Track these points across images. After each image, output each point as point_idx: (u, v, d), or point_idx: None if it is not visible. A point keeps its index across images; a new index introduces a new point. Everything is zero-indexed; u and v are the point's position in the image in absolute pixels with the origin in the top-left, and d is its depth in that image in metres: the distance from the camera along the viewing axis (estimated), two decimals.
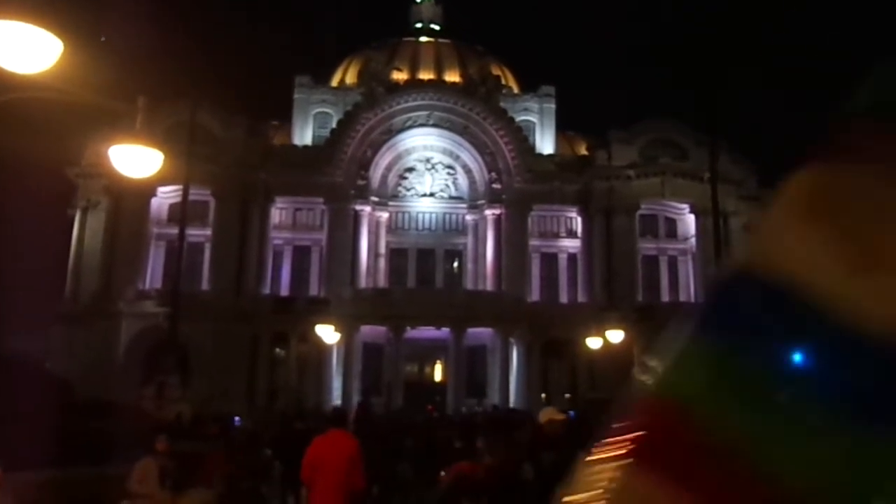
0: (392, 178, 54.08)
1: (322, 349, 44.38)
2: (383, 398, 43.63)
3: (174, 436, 12.34)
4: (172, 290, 31.03)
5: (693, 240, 51.09)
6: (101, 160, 39.65)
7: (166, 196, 47.55)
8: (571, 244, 53.40)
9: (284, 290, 51.57)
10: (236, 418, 22.30)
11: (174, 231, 37.63)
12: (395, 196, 53.96)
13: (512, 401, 45.03)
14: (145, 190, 45.82)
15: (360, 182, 51.99)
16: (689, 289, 51.58)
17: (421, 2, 70.92)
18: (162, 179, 40.58)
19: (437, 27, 69.26)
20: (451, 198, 54.28)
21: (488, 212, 52.54)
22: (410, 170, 54.36)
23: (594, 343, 37.53)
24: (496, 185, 52.47)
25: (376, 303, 46.03)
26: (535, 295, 51.63)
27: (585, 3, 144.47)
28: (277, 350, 48.82)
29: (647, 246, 52.01)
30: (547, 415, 8.88)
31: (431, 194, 54.18)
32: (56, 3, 6.17)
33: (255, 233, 50.09)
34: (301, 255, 52.76)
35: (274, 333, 47.94)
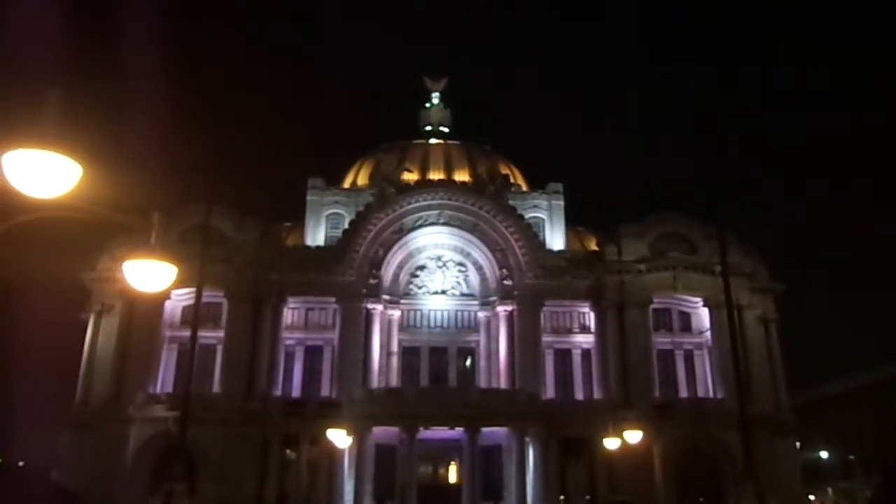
0: (403, 277, 54.38)
1: (333, 452, 43.40)
2: (397, 502, 42.27)
3: None
4: (183, 395, 30.78)
5: (708, 333, 50.55)
6: (115, 265, 40.30)
7: (180, 298, 47.89)
8: (585, 339, 52.92)
9: (296, 391, 51.00)
10: None
11: (187, 334, 37.73)
12: (407, 294, 54.11)
13: (529, 503, 43.53)
14: (159, 293, 46.03)
15: (372, 281, 52.28)
16: (706, 383, 50.62)
17: (430, 106, 73.37)
18: (176, 283, 40.87)
19: (445, 129, 71.36)
20: (462, 295, 54.34)
21: (500, 308, 52.42)
22: (422, 268, 54.72)
23: (612, 444, 36.50)
24: (507, 282, 52.59)
25: (388, 402, 45.28)
26: (549, 392, 50.77)
27: (593, 101, 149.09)
28: (288, 452, 47.76)
29: (661, 340, 51.47)
30: None
31: (443, 292, 54.31)
32: (73, 126, 6.43)
33: (267, 333, 50.00)
34: (313, 355, 52.47)
35: (285, 436, 47.04)
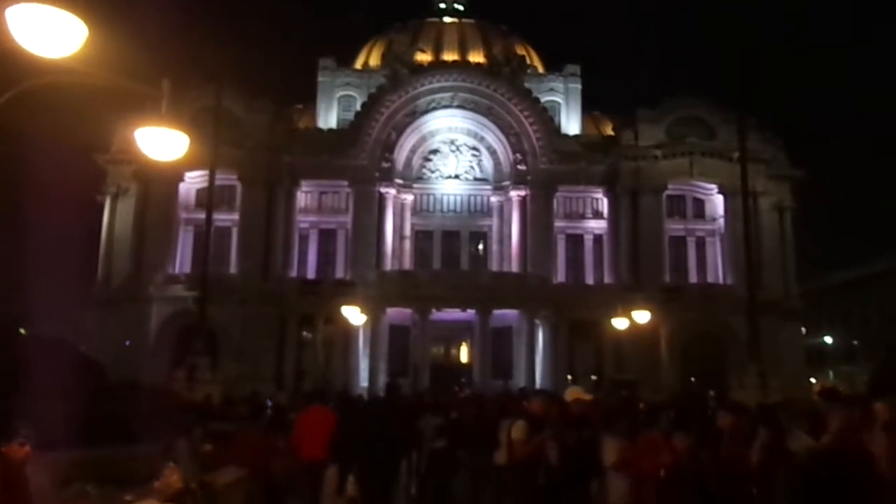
0: (416, 161, 54.02)
1: (348, 331, 44.72)
2: (410, 379, 43.95)
3: (204, 417, 12.56)
4: (201, 274, 31.42)
5: (721, 220, 50.43)
6: (129, 147, 40.12)
7: (194, 181, 48.02)
8: (597, 225, 53.03)
9: (311, 273, 51.94)
10: (269, 402, 22.53)
11: (202, 216, 37.89)
12: (420, 178, 53.93)
13: (538, 382, 45.10)
14: (173, 175, 46.28)
15: (385, 164, 52.01)
16: (717, 270, 51.01)
17: None
18: (189, 164, 40.91)
19: (460, 7, 68.74)
20: (475, 179, 54.12)
21: (513, 193, 52.32)
22: (435, 152, 54.25)
23: (620, 324, 37.30)
24: (521, 167, 52.20)
25: (402, 284, 46.20)
26: (560, 276, 51.45)
27: None
28: (304, 332, 49.25)
29: (674, 227, 51.43)
30: (573, 394, 8.89)
31: (456, 176, 54.06)
32: None
33: (282, 216, 50.40)
34: (327, 238, 53.05)
35: (301, 316, 48.34)
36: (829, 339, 65.83)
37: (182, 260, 49.82)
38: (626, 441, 7.62)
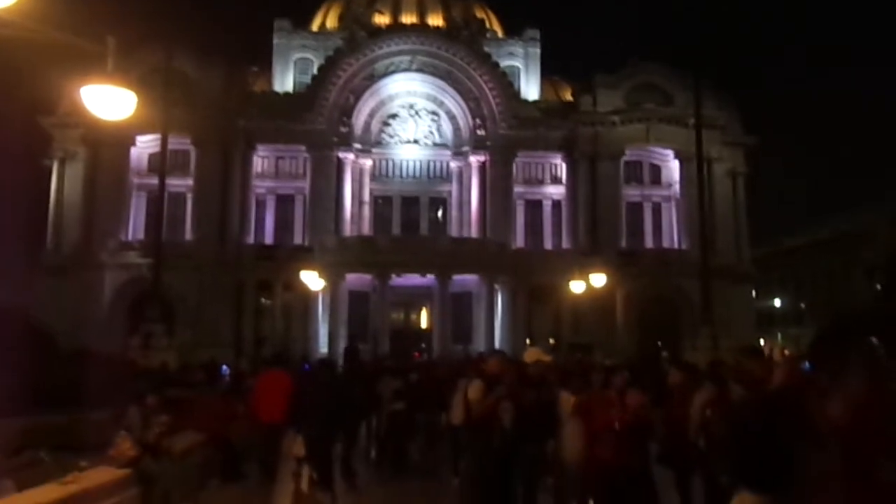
0: (375, 125, 53.41)
1: (307, 296, 44.47)
2: (370, 345, 44.05)
3: (160, 383, 12.41)
4: (155, 241, 30.79)
5: (677, 186, 51.16)
6: (76, 109, 38.76)
7: (146, 145, 46.82)
8: (556, 191, 53.31)
9: (268, 239, 51.32)
10: (224, 367, 22.37)
11: (155, 181, 37.00)
12: (379, 143, 53.39)
13: (497, 346, 45.57)
14: (124, 139, 45.04)
15: (343, 129, 51.32)
16: (672, 235, 51.87)
17: None
18: (140, 128, 39.81)
19: None
20: (435, 145, 53.78)
21: (473, 158, 52.19)
22: (394, 116, 53.66)
23: (577, 287, 37.76)
24: (480, 132, 52.01)
25: (361, 250, 46.01)
26: (519, 241, 51.75)
27: None
28: (263, 299, 48.85)
29: (631, 192, 52.00)
30: (532, 355, 8.97)
31: (415, 141, 53.65)
32: None
33: (237, 181, 49.53)
34: (284, 203, 52.33)
35: (258, 281, 47.89)
36: (778, 303, 67.83)
37: (135, 226, 48.76)
38: (583, 395, 7.80)
